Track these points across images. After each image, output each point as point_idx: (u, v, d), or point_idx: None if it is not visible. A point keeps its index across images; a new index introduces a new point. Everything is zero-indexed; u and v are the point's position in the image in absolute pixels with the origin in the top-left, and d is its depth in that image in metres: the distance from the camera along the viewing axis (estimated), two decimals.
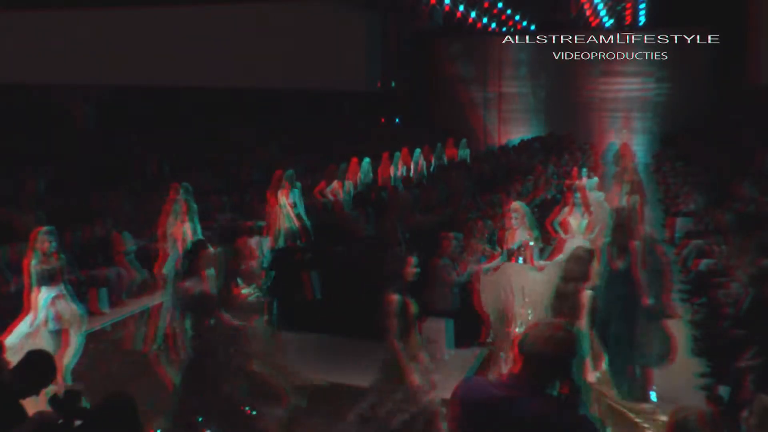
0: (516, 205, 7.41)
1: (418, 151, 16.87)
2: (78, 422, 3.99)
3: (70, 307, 6.45)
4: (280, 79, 21.87)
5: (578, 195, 8.87)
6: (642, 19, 24.48)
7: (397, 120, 26.26)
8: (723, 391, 5.70)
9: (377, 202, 12.12)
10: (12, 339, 6.17)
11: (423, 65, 27.43)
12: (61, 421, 3.96)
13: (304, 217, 11.04)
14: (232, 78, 21.51)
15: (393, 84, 26.80)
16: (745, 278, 7.42)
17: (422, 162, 16.93)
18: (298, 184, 11.35)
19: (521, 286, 6.72)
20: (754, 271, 7.15)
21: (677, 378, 6.63)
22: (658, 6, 22.84)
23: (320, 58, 22.24)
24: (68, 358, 6.40)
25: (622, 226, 6.32)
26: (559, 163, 18.17)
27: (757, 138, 17.81)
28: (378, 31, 26.28)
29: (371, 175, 14.85)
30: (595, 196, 10.83)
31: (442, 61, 27.25)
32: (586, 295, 5.02)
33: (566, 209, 8.96)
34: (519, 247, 7.06)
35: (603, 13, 24.28)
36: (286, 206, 10.98)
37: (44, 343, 6.11)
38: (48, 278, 6.44)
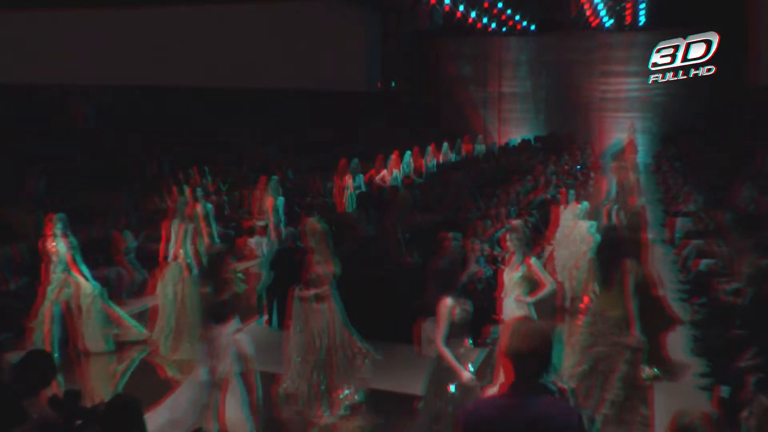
0: (311, 222, 6.15)
1: (445, 145, 19.69)
2: (78, 422, 3.99)
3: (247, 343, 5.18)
4: (281, 79, 21.87)
5: (513, 238, 6.03)
6: (642, 19, 24.47)
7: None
8: (723, 391, 5.70)
9: (378, 202, 12.13)
10: (183, 401, 5.12)
11: (423, 65, 27.42)
12: (61, 421, 3.97)
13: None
14: (232, 78, 21.51)
15: (393, 84, 26.80)
16: (745, 278, 7.43)
17: (450, 154, 19.78)
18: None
19: None
20: (753, 271, 7.16)
21: (677, 378, 6.63)
22: (658, 6, 22.83)
23: (320, 58, 22.24)
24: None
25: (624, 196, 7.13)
26: (559, 163, 18.18)
27: (757, 138, 17.80)
28: (378, 31, 26.27)
29: (412, 165, 16.75)
30: (587, 226, 9.17)
31: (442, 61, 27.23)
32: (647, 238, 6.08)
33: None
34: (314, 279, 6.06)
35: (603, 13, 24.27)
36: (350, 188, 13.17)
37: (238, 392, 4.98)
38: (223, 311, 5.16)
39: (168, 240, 7.93)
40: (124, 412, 3.65)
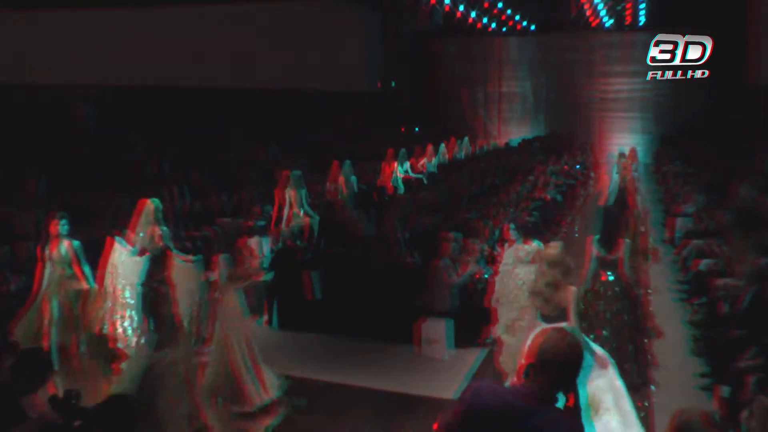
0: (149, 204, 7.57)
1: (465, 139, 21.77)
2: (78, 422, 3.99)
3: None
4: (280, 79, 21.87)
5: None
6: (642, 19, 24.48)
7: (416, 129, 26.48)
8: (723, 391, 5.70)
9: (378, 203, 12.12)
10: None
11: (423, 65, 27.43)
12: (61, 421, 3.97)
13: (412, 183, 14.62)
14: (232, 78, 21.51)
15: (393, 84, 26.81)
16: (745, 278, 7.43)
17: (468, 148, 21.85)
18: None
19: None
20: (753, 270, 7.16)
21: (677, 378, 6.63)
22: (658, 6, 22.83)
23: (320, 58, 22.24)
24: None
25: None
26: (559, 163, 18.19)
27: (757, 138, 17.80)
28: (378, 31, 26.28)
29: (447, 156, 18.98)
30: (529, 272, 6.51)
31: (442, 61, 27.24)
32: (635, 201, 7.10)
33: None
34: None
35: (603, 13, 24.29)
36: (397, 174, 14.78)
37: None
38: None
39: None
40: (121, 411, 3.66)
